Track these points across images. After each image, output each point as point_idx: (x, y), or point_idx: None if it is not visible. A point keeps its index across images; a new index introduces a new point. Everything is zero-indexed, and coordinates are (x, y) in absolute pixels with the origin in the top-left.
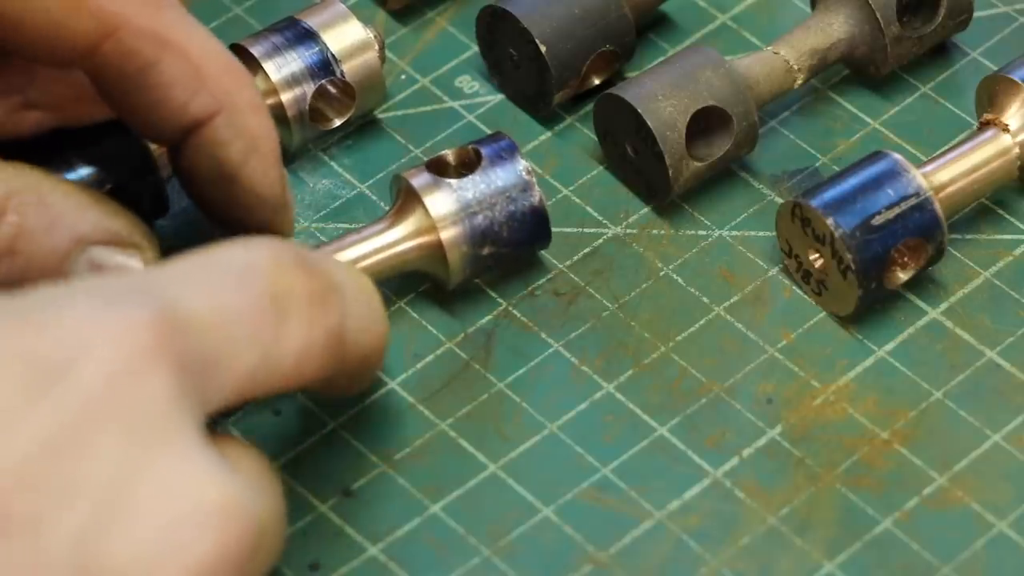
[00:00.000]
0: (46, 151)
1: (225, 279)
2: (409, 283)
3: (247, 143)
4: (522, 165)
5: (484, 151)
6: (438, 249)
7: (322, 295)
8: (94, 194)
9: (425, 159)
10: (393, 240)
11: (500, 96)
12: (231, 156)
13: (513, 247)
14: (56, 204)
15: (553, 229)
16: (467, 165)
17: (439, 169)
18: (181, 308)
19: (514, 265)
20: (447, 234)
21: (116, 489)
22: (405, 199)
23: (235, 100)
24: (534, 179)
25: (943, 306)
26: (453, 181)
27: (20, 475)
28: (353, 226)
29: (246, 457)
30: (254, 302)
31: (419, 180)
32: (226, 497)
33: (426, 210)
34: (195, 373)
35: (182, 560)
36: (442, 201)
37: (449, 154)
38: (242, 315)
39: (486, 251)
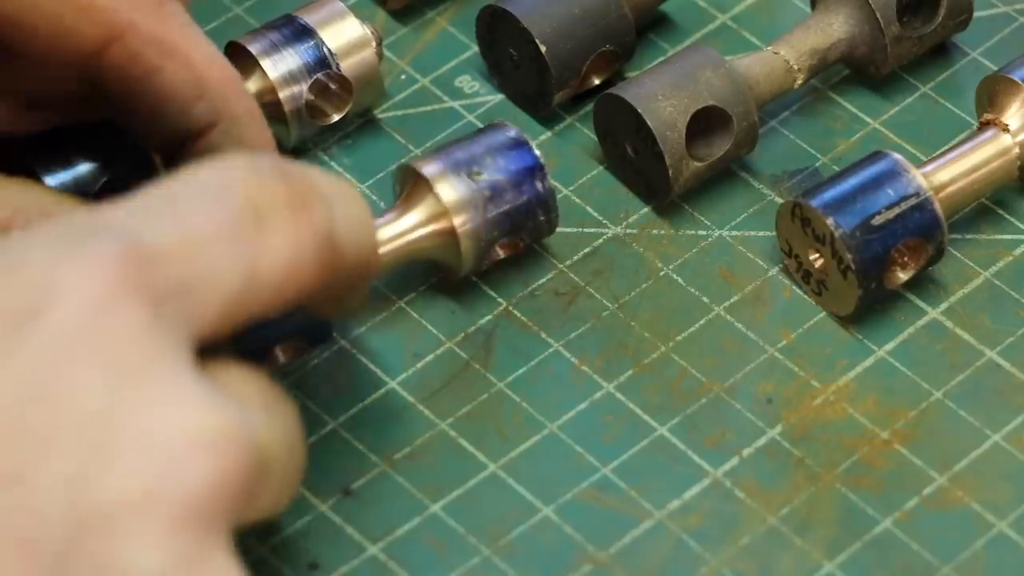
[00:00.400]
0: (45, 149)
1: (196, 200)
2: (409, 283)
3: (247, 151)
4: (531, 152)
5: (492, 140)
6: (450, 236)
7: (303, 198)
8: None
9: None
10: (404, 229)
11: (500, 96)
12: None
13: (523, 234)
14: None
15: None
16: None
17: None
18: (148, 239)
19: (521, 252)
20: (459, 220)
21: (101, 428)
22: (413, 188)
23: (234, 109)
24: (543, 164)
25: (943, 306)
26: (462, 170)
27: (0, 426)
28: None
29: (248, 382)
30: (230, 218)
31: (430, 168)
32: (219, 423)
33: (438, 198)
34: (173, 300)
35: (178, 492)
36: (453, 189)
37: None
38: (218, 234)
39: (496, 237)
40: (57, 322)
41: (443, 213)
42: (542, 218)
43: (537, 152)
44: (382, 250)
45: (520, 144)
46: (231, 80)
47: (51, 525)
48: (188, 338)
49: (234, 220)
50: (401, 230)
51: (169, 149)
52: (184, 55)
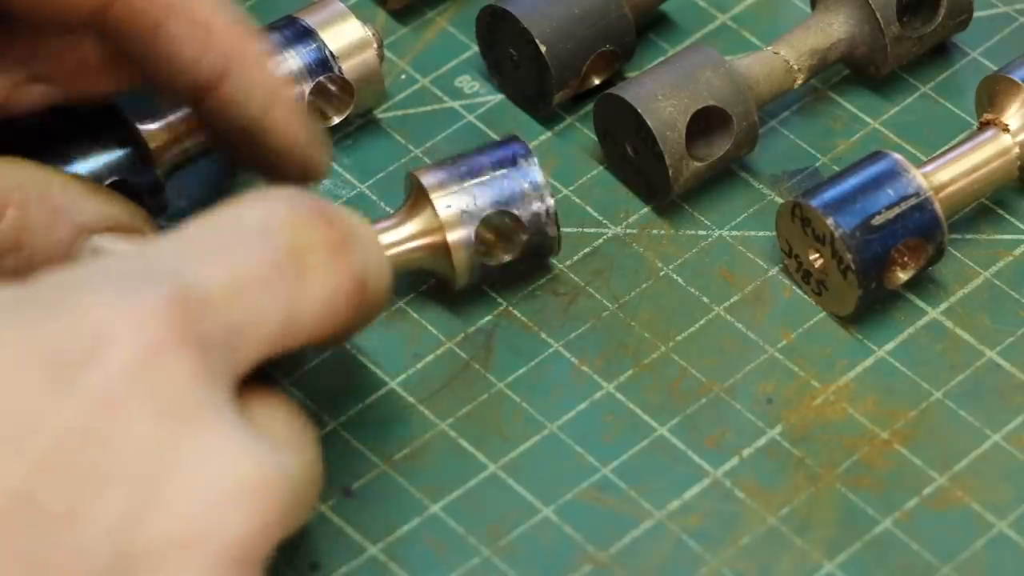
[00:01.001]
0: (44, 147)
1: (241, 241)
2: (409, 283)
3: (264, 96)
4: (536, 171)
5: (497, 154)
6: (444, 250)
7: (343, 243)
8: (91, 183)
9: (426, 159)
10: (401, 238)
11: (500, 96)
12: (251, 110)
13: (522, 252)
14: (57, 195)
15: None
16: (507, 235)
17: (483, 240)
18: (197, 283)
19: (521, 264)
20: (454, 236)
21: (148, 474)
22: (416, 198)
23: (244, 55)
24: (548, 185)
25: (943, 306)
26: (464, 183)
27: (51, 468)
28: None
29: (276, 415)
30: (273, 261)
31: (429, 179)
32: (260, 470)
33: (435, 210)
34: (219, 346)
35: (221, 536)
36: (451, 202)
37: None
38: (262, 278)
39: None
40: (110, 368)
41: (439, 227)
42: (543, 237)
43: (539, 171)
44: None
45: (526, 161)
46: (238, 29)
47: (98, 563)
48: (231, 380)
49: (277, 263)
50: (398, 239)
51: (189, 100)
52: (188, 7)
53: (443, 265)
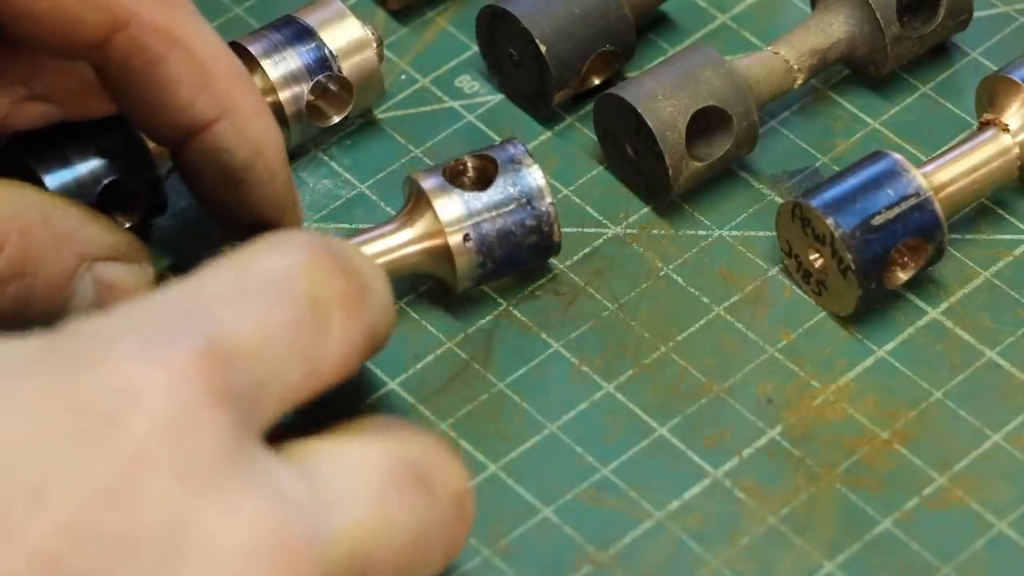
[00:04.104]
0: (44, 148)
1: (266, 291)
2: (409, 283)
3: (252, 148)
4: (534, 169)
5: (498, 158)
6: (445, 254)
7: (360, 296)
8: (91, 210)
9: (434, 161)
10: (402, 242)
11: (500, 96)
12: (235, 161)
13: (522, 251)
14: (59, 223)
15: None
16: (483, 176)
17: (454, 175)
18: (226, 335)
19: (524, 270)
20: (455, 240)
21: (171, 536)
22: (416, 201)
23: (239, 104)
24: (547, 187)
25: (943, 306)
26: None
27: (76, 529)
28: (353, 227)
29: (328, 454)
30: (297, 315)
31: (429, 183)
32: (281, 532)
33: (435, 214)
34: (247, 399)
35: None
36: (452, 206)
37: (468, 160)
38: (287, 331)
39: (494, 257)
40: (139, 427)
41: (439, 231)
42: (542, 236)
43: (539, 173)
44: (380, 261)
45: (526, 163)
46: (236, 74)
47: None
48: (258, 433)
49: (299, 317)
50: (399, 243)
51: (174, 141)
52: (188, 47)
53: (444, 269)
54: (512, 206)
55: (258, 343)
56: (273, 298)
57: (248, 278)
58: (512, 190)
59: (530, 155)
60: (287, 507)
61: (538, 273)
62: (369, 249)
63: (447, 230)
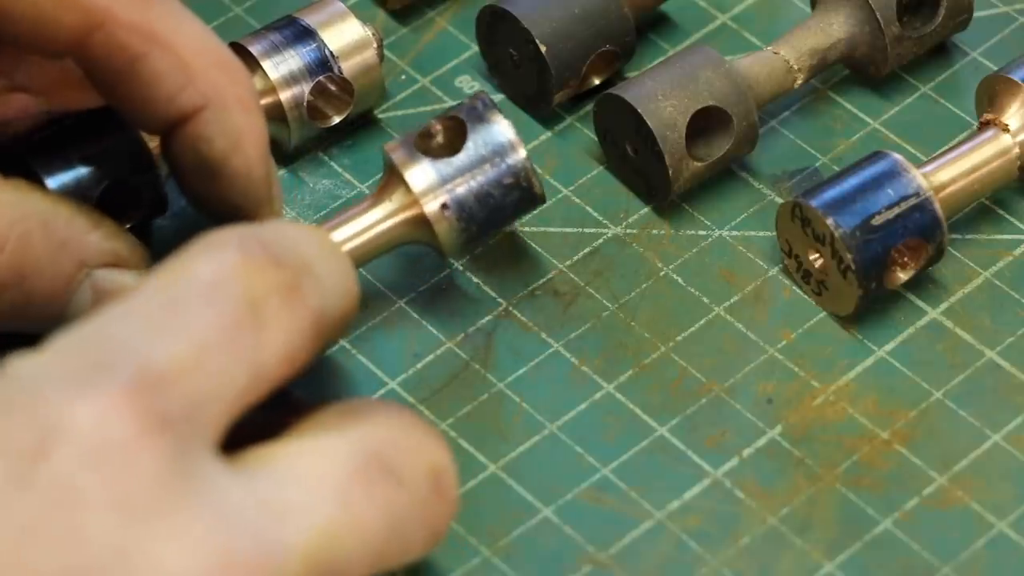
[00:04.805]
0: (46, 148)
1: (196, 301)
2: (409, 283)
3: (230, 140)
4: (503, 125)
5: (467, 118)
6: (426, 223)
7: (295, 281)
8: (96, 216)
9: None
10: (380, 217)
11: (500, 96)
12: (213, 152)
13: (505, 209)
14: (61, 228)
15: (553, 229)
16: (454, 138)
17: (425, 141)
18: (158, 360)
19: (511, 222)
20: (431, 209)
21: (120, 567)
22: (390, 174)
23: (223, 96)
24: (518, 138)
25: (943, 306)
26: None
27: (8, 567)
28: None
29: (286, 457)
30: (232, 319)
31: (399, 154)
32: (231, 549)
33: (407, 186)
34: (186, 420)
35: None
36: (423, 175)
37: (436, 123)
38: (222, 339)
39: (477, 221)
40: (65, 464)
41: (414, 201)
42: (523, 191)
43: (507, 123)
44: (361, 239)
45: (494, 118)
46: (223, 66)
47: None
48: (205, 448)
49: (235, 322)
50: (376, 219)
51: (159, 132)
52: (168, 42)
53: (430, 237)
54: (486, 166)
55: (195, 358)
56: (206, 306)
57: (178, 290)
58: (484, 150)
59: (497, 109)
60: (238, 525)
61: (538, 273)
62: (347, 229)
63: (422, 200)
